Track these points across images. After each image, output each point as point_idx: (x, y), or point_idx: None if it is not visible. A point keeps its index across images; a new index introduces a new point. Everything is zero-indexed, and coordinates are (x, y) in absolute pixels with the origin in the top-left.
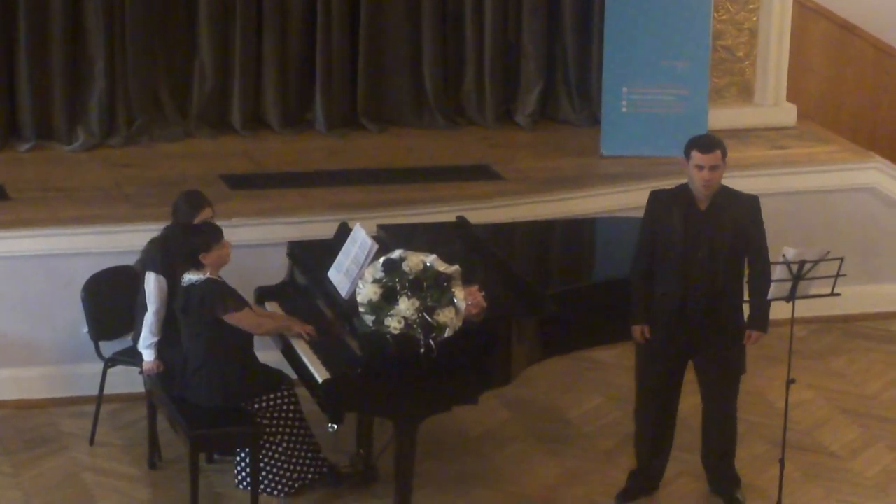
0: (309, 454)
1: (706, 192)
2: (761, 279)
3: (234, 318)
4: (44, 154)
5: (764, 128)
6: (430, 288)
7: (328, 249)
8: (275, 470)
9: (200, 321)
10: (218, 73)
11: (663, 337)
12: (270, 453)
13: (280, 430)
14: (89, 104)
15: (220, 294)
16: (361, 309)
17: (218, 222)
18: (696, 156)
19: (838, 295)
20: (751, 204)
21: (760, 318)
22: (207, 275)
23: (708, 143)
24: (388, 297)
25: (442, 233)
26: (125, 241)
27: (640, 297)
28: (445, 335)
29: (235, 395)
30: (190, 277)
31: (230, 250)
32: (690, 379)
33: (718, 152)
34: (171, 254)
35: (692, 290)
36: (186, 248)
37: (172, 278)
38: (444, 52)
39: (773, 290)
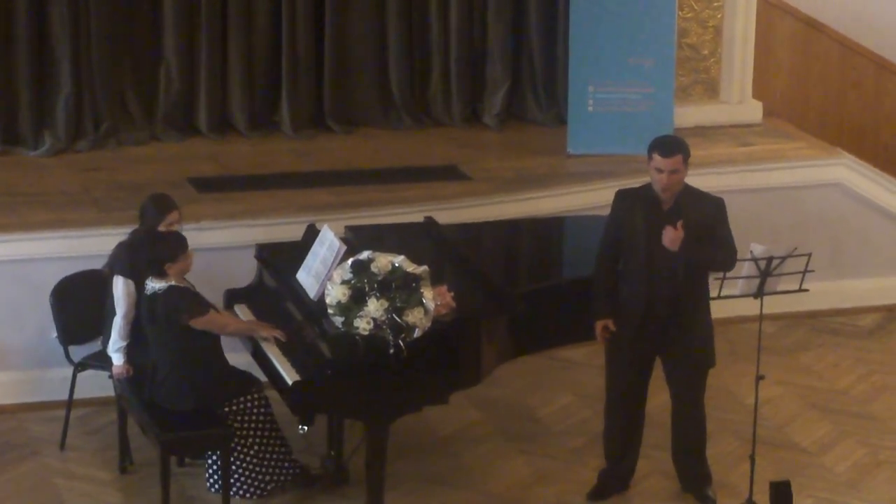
0: (280, 456)
1: (665, 195)
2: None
3: (200, 323)
4: (10, 159)
5: (730, 125)
6: (399, 288)
7: (296, 251)
8: (246, 473)
9: (167, 329)
10: (184, 76)
11: (630, 335)
12: (242, 456)
13: (251, 432)
14: (55, 108)
15: (183, 300)
16: (330, 310)
17: (186, 225)
18: (657, 159)
19: (806, 291)
20: (715, 206)
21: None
22: (171, 282)
23: (669, 146)
24: (357, 299)
25: (410, 233)
26: (93, 245)
27: (603, 293)
28: (415, 336)
29: (206, 398)
30: (152, 285)
31: (192, 258)
32: (660, 376)
33: (679, 156)
34: (137, 260)
35: (656, 288)
36: (151, 257)
37: (141, 282)
38: (410, 52)
39: (742, 287)
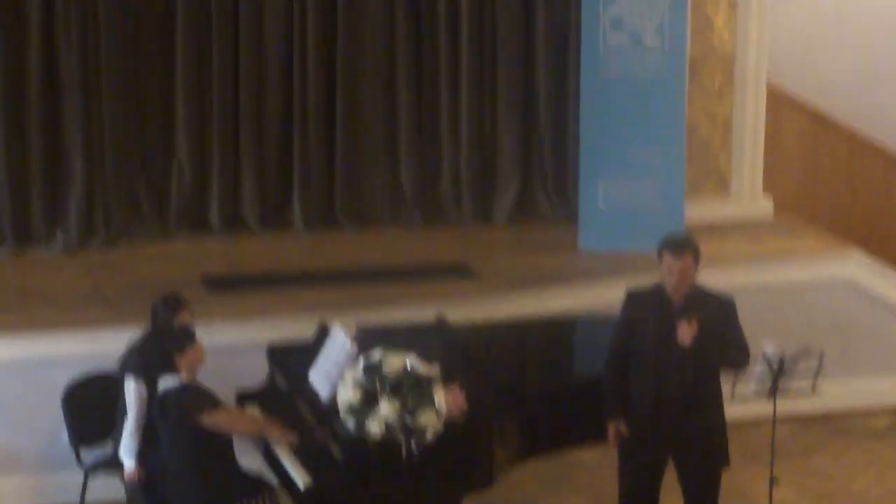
0: None
1: (676, 295)
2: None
3: (211, 420)
4: (23, 258)
5: (741, 221)
6: (411, 390)
7: (308, 351)
8: None
9: (179, 427)
10: (196, 174)
11: (641, 435)
12: None
13: None
14: (67, 207)
15: (195, 398)
16: (342, 412)
17: (197, 325)
18: (667, 259)
19: (818, 391)
20: (726, 304)
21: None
22: (183, 379)
23: (679, 245)
24: (369, 400)
25: (421, 332)
26: (105, 345)
27: (614, 394)
28: (427, 437)
29: (217, 499)
30: (165, 385)
31: (204, 351)
32: (673, 477)
33: (689, 257)
34: (149, 360)
35: (667, 388)
36: (161, 352)
37: (152, 384)
38: (421, 150)
39: (754, 387)
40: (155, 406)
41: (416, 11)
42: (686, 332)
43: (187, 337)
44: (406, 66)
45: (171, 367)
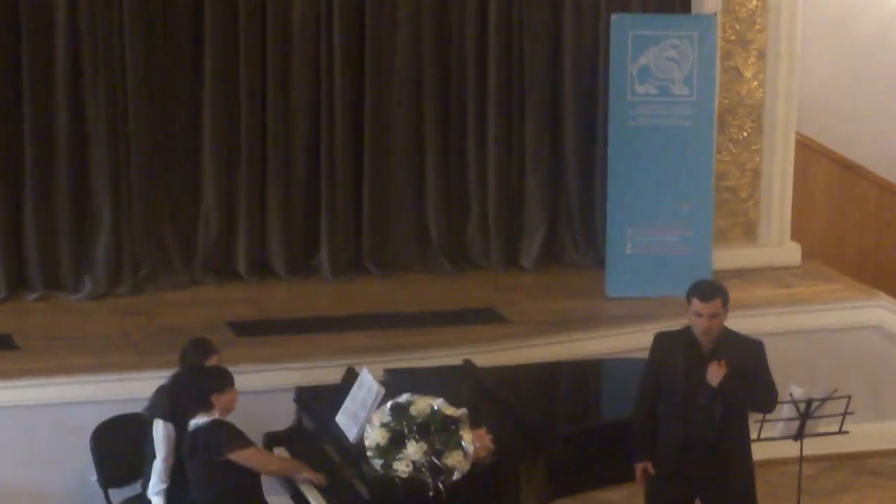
0: None
1: (705, 339)
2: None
3: (241, 457)
4: (51, 303)
5: (769, 267)
6: (438, 431)
7: (336, 394)
8: None
9: (208, 463)
10: (222, 220)
11: (667, 477)
12: None
13: None
14: (95, 253)
15: (226, 434)
16: (369, 453)
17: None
18: (696, 304)
19: (846, 433)
20: (754, 349)
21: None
22: (215, 416)
23: (708, 291)
24: (396, 441)
25: (449, 376)
26: (132, 388)
27: (643, 436)
28: (454, 478)
29: None
30: (196, 422)
31: (238, 395)
32: None
33: (718, 301)
34: (179, 401)
35: (694, 431)
36: (198, 389)
37: (180, 425)
38: (448, 196)
39: (781, 429)
40: (186, 442)
41: (443, 61)
42: (716, 373)
43: (227, 379)
44: (433, 115)
45: (205, 407)
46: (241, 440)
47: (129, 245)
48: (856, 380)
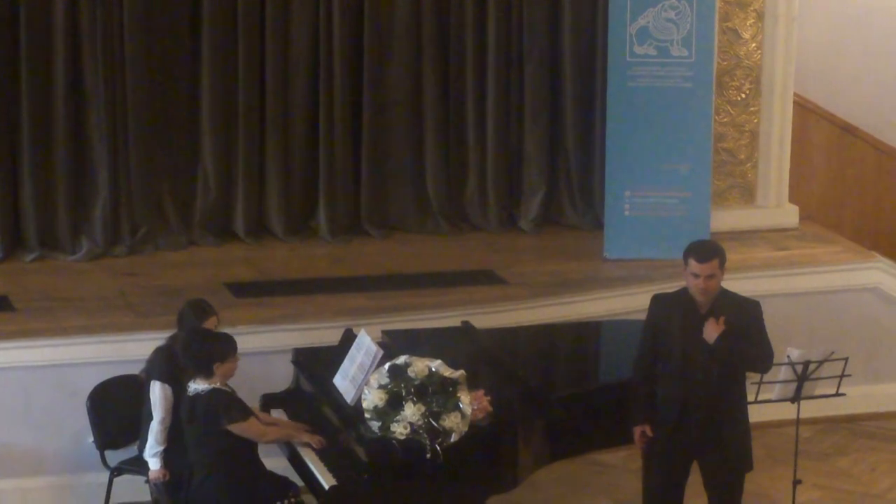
0: None
1: (702, 299)
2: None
3: (240, 428)
4: (48, 264)
5: (766, 229)
6: (436, 393)
7: (333, 356)
8: None
9: (206, 431)
10: (221, 181)
11: (666, 439)
12: None
13: None
14: (93, 214)
15: (225, 404)
16: (367, 415)
17: (223, 330)
18: (693, 264)
19: (843, 395)
20: (751, 309)
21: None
22: (215, 384)
23: (705, 251)
24: (394, 403)
25: (447, 338)
26: (130, 350)
27: (641, 398)
28: (451, 440)
29: (243, 500)
30: (196, 387)
31: (237, 366)
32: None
33: (715, 261)
34: (176, 362)
35: (692, 392)
36: (202, 355)
37: (178, 387)
38: (447, 157)
39: (779, 391)
40: (184, 408)
41: (442, 21)
42: (712, 330)
43: (231, 348)
44: (432, 75)
45: (206, 373)
46: (240, 412)
47: (126, 206)
48: (853, 342)
